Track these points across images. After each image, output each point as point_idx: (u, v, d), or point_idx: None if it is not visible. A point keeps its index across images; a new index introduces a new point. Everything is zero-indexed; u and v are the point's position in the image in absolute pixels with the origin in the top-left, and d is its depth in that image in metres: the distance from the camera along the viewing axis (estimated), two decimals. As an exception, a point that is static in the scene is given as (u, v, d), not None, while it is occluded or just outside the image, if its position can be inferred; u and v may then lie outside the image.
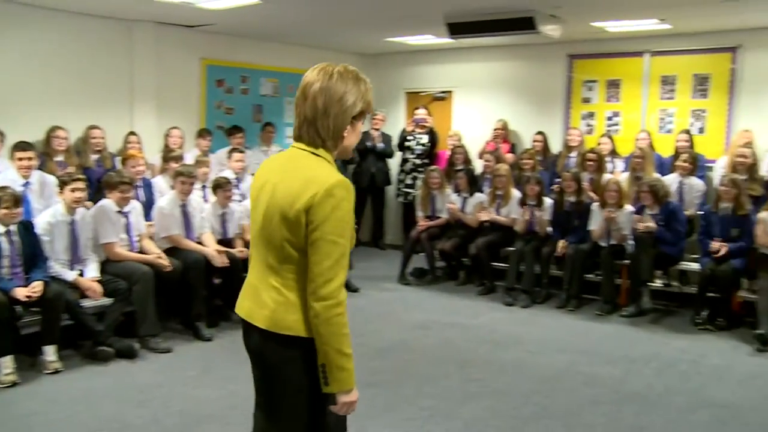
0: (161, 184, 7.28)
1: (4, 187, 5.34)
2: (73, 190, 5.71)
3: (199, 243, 6.52)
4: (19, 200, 5.31)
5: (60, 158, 6.97)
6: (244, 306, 2.44)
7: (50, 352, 5.27)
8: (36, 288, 5.13)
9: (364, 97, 2.39)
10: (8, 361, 5.00)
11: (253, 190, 2.46)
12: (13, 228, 5.29)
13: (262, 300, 2.34)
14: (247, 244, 6.79)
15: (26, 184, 6.18)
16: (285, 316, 2.28)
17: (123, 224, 6.10)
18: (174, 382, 5.11)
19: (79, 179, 5.80)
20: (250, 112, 9.71)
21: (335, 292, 2.20)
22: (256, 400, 2.56)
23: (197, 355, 5.76)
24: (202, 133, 8.47)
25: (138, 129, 7.95)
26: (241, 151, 8.02)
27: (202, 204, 6.84)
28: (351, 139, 2.38)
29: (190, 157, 7.90)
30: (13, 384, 4.94)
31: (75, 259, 5.81)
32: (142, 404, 4.71)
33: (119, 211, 6.07)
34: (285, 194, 2.25)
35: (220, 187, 6.85)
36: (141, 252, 6.17)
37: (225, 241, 6.78)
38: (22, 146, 6.24)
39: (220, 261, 6.32)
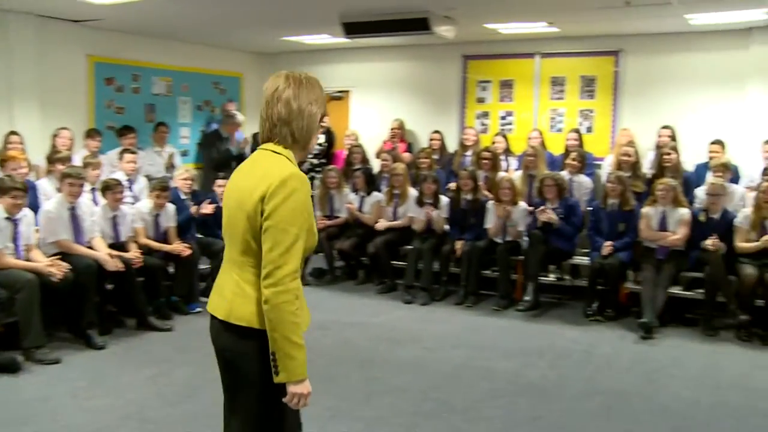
0: (46, 186, 6.93)
1: None
2: None
3: (90, 248, 6.28)
4: None
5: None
6: (211, 301, 2.53)
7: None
8: None
9: (324, 103, 2.55)
10: None
11: (224, 195, 2.58)
12: None
13: (223, 293, 2.44)
14: (140, 247, 6.67)
15: None
16: (240, 307, 2.35)
17: (10, 232, 5.77)
18: (62, 395, 4.85)
19: None
20: (143, 111, 9.46)
21: (284, 278, 2.25)
22: (224, 396, 2.61)
23: (88, 364, 5.50)
24: (91, 134, 8.15)
25: (20, 129, 7.51)
26: (133, 152, 7.79)
27: (92, 207, 6.57)
28: (314, 141, 2.55)
29: (78, 159, 7.60)
30: None
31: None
32: (27, 421, 4.42)
33: (8, 218, 5.75)
34: (243, 189, 2.36)
35: (110, 189, 6.59)
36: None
37: (117, 245, 6.54)
38: None
39: (113, 265, 6.10)
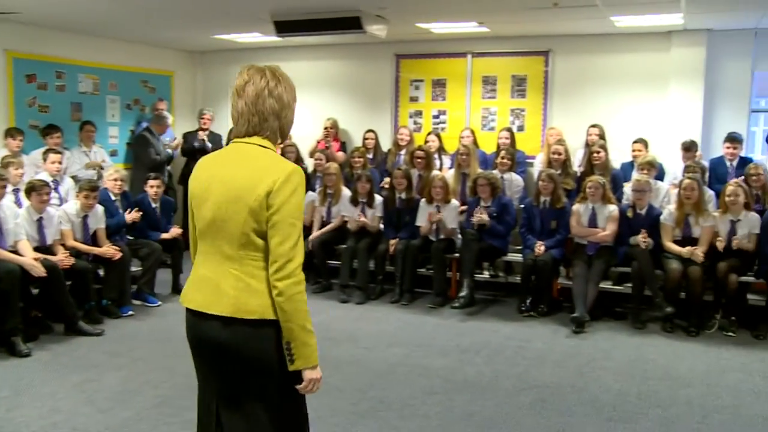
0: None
1: None
2: None
3: (14, 252, 6.07)
4: None
5: None
6: (196, 298, 2.46)
7: None
8: None
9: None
10: None
11: (197, 187, 2.50)
12: None
13: (221, 290, 2.38)
14: (68, 249, 6.49)
15: None
16: (248, 300, 2.34)
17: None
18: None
19: None
20: (68, 110, 9.16)
21: (296, 270, 2.32)
22: (217, 400, 2.52)
23: (13, 373, 5.29)
24: (12, 133, 7.81)
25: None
26: (58, 152, 7.57)
27: (15, 209, 6.33)
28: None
29: (-2, 159, 7.35)
30: None
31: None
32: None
33: None
34: (243, 183, 2.34)
35: (35, 190, 6.37)
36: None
37: (43, 249, 6.35)
38: None
39: (40, 271, 5.90)
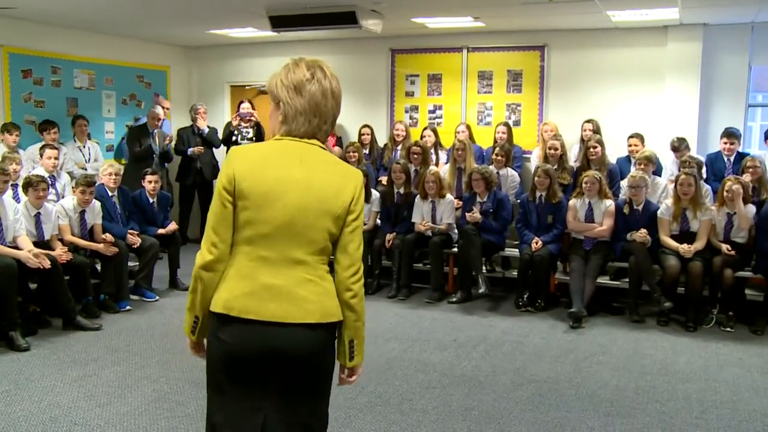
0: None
1: None
2: None
3: (14, 246, 6.07)
4: None
5: None
6: (269, 309, 2.27)
7: None
8: None
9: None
10: None
11: (260, 186, 2.27)
12: None
13: (299, 296, 2.28)
14: (65, 244, 6.48)
15: None
16: (329, 303, 2.33)
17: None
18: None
19: None
20: (65, 105, 9.15)
21: (360, 269, 2.39)
22: (266, 413, 2.35)
23: (12, 367, 5.30)
24: (8, 128, 7.81)
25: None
26: (54, 148, 7.56)
27: (14, 204, 6.34)
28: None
29: (-6, 154, 7.35)
30: None
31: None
32: None
33: None
34: (326, 189, 2.31)
35: (32, 185, 6.38)
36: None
37: (41, 244, 6.34)
38: None
39: (35, 263, 5.89)
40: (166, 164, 9.69)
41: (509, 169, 8.04)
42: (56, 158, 7.49)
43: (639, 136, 7.98)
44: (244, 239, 2.30)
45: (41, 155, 7.49)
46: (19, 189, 6.67)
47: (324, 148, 2.38)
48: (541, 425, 4.33)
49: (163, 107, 9.90)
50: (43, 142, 7.89)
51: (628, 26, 8.30)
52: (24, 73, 8.58)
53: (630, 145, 7.96)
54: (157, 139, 9.31)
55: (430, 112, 9.59)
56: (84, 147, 8.73)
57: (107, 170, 7.33)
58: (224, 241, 2.33)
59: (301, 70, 2.36)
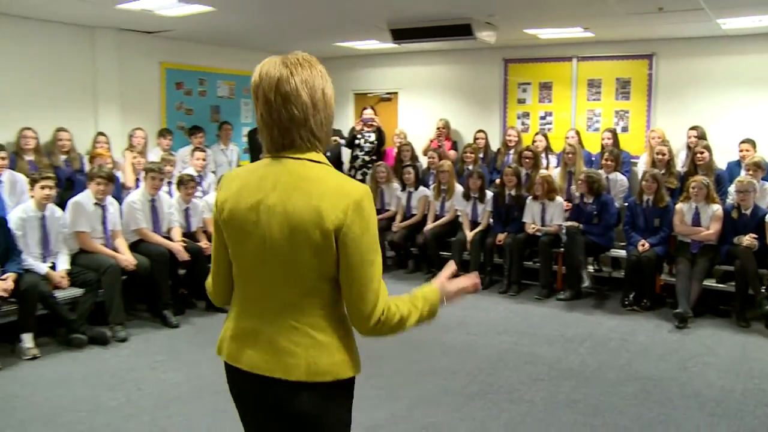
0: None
1: None
2: (42, 188, 5.69)
3: (167, 237, 6.51)
4: None
5: (30, 158, 6.89)
6: (250, 358, 1.88)
7: (28, 340, 5.27)
8: (9, 280, 5.12)
9: (331, 83, 1.96)
10: (-10, 348, 5.01)
11: (237, 214, 1.86)
12: (-12, 224, 5.25)
13: (281, 347, 1.83)
14: (209, 237, 6.79)
15: (-2, 182, 6.08)
16: (319, 360, 1.82)
17: (99, 216, 6.06)
18: (143, 367, 5.09)
19: (48, 177, 5.78)
20: (208, 112, 9.63)
21: (383, 313, 1.83)
22: None
23: (165, 341, 5.74)
24: (164, 133, 8.39)
25: (102, 129, 7.82)
26: (203, 150, 7.99)
27: (169, 200, 6.78)
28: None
29: (153, 156, 7.85)
30: (-5, 369, 4.98)
31: (46, 253, 5.79)
32: (115, 387, 4.70)
33: (97, 204, 6.02)
34: (302, 214, 1.76)
35: (183, 183, 6.83)
36: (114, 248, 6.09)
37: (188, 234, 6.76)
38: (-8, 147, 6.14)
39: (185, 257, 6.31)
40: None
41: (618, 173, 7.84)
42: (204, 159, 7.89)
43: (751, 142, 7.58)
44: (235, 275, 1.95)
45: (192, 156, 7.91)
46: (173, 186, 7.09)
47: (311, 159, 1.85)
48: (645, 420, 4.24)
49: None
50: (192, 146, 8.35)
51: (739, 33, 7.89)
52: (177, 85, 9.10)
53: (741, 151, 7.58)
54: None
55: (541, 118, 9.46)
56: (227, 149, 9.15)
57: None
58: (218, 274, 2.02)
59: (258, 70, 1.90)
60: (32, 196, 5.78)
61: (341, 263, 1.79)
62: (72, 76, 7.86)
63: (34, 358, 5.22)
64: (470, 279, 2.13)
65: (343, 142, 9.67)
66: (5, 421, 4.18)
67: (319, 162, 1.86)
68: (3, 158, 6.16)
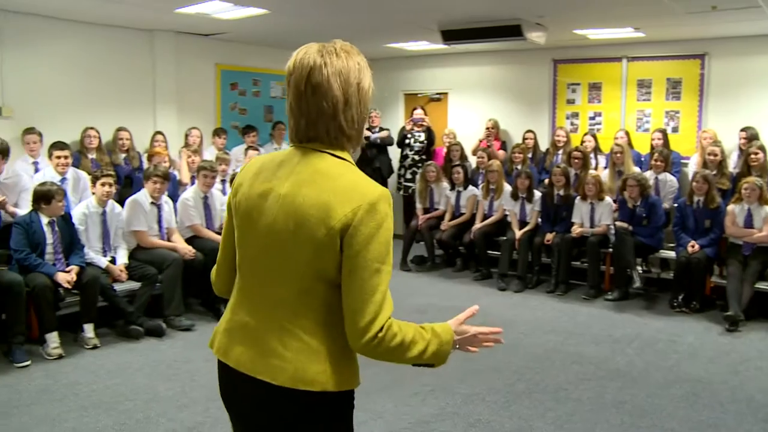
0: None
1: (49, 183, 5.48)
2: (103, 185, 5.85)
3: (219, 233, 6.58)
4: (64, 194, 5.47)
5: (92, 156, 7.08)
6: (237, 354, 1.75)
7: (89, 330, 5.43)
8: (73, 272, 5.29)
9: (370, 76, 1.80)
10: (54, 337, 5.19)
11: (245, 200, 1.76)
12: (54, 219, 5.42)
13: (270, 347, 1.68)
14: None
15: (62, 180, 6.23)
16: (307, 366, 1.65)
17: (155, 215, 6.19)
18: (198, 359, 5.16)
19: (108, 175, 5.95)
20: (262, 112, 9.73)
21: (381, 330, 1.62)
22: None
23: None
24: (218, 132, 8.52)
25: (160, 129, 7.99)
26: (256, 149, 8.09)
27: (222, 197, 6.89)
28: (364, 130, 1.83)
29: (207, 154, 7.98)
30: (60, 357, 5.14)
31: (107, 247, 5.96)
32: (171, 378, 4.80)
33: (153, 203, 6.15)
34: (310, 207, 1.62)
35: (237, 181, 6.92)
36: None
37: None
38: (58, 145, 6.32)
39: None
40: None
41: (668, 174, 7.66)
42: (258, 158, 7.99)
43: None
44: (237, 264, 1.82)
45: (246, 155, 8.01)
46: (227, 184, 7.19)
47: (333, 153, 1.71)
48: (694, 424, 4.13)
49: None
50: (245, 144, 8.45)
51: (797, 32, 7.63)
52: (231, 86, 9.22)
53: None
54: None
55: (591, 118, 9.30)
56: (279, 148, 9.23)
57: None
58: (223, 260, 1.91)
59: (293, 57, 1.78)
60: (94, 193, 5.96)
61: (343, 267, 1.62)
62: (132, 78, 8.03)
63: (95, 347, 5.37)
64: (491, 329, 1.91)
65: (376, 137, 9.66)
66: (68, 407, 4.30)
67: (342, 159, 1.71)
68: (66, 157, 6.32)
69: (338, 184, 1.63)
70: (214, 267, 1.95)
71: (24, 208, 5.65)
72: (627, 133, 8.49)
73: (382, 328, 1.61)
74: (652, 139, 8.23)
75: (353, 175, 1.68)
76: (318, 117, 1.69)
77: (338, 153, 1.71)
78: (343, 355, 1.69)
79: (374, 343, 1.62)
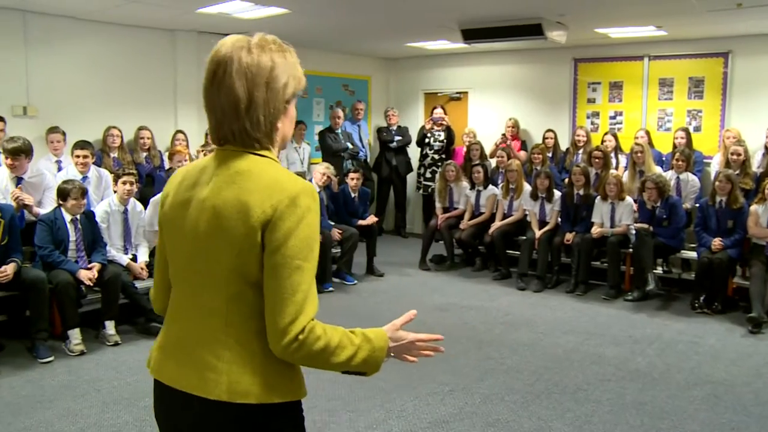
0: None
1: (72, 181, 5.55)
2: (124, 183, 5.91)
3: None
4: (85, 192, 5.53)
5: (114, 155, 7.16)
6: (168, 368, 1.66)
7: (110, 327, 5.49)
8: (95, 270, 5.36)
9: (294, 72, 1.68)
10: (77, 333, 5.26)
11: (169, 209, 1.68)
12: (77, 217, 5.48)
13: (202, 360, 1.58)
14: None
15: (84, 178, 6.28)
16: (240, 377, 1.55)
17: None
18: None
19: (130, 173, 6.00)
20: (282, 111, 9.74)
21: (302, 332, 1.51)
22: None
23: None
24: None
25: (181, 128, 8.05)
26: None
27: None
28: (286, 128, 1.69)
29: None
30: (82, 353, 5.20)
31: (128, 245, 6.02)
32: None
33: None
34: (230, 209, 1.53)
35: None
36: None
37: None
38: (80, 144, 6.37)
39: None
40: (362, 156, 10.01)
41: (689, 173, 7.58)
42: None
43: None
44: (170, 277, 1.72)
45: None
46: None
47: (257, 153, 1.60)
48: (716, 426, 4.08)
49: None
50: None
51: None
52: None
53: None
54: (341, 136, 9.63)
55: (611, 118, 9.22)
56: (299, 147, 9.25)
57: (320, 170, 7.71)
58: (157, 276, 1.81)
59: (215, 46, 1.65)
60: (115, 191, 6.01)
61: (264, 265, 1.52)
62: (154, 77, 8.10)
63: (116, 344, 5.43)
64: (431, 336, 1.75)
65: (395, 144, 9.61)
66: (90, 402, 4.34)
67: (264, 156, 1.61)
68: (88, 156, 6.37)
69: (259, 182, 1.54)
70: (152, 286, 1.85)
71: (47, 207, 5.72)
72: (647, 133, 8.42)
73: (303, 330, 1.50)
74: (675, 138, 8.15)
75: (275, 172, 1.57)
76: (223, 116, 1.59)
77: (259, 151, 1.61)
78: (282, 364, 1.57)
79: (294, 346, 1.50)
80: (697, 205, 7.10)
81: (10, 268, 5.02)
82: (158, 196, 6.12)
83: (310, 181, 7.61)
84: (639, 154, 7.70)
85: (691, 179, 7.57)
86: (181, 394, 1.60)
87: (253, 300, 1.55)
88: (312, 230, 1.54)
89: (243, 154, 1.59)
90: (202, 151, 7.57)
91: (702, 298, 6.61)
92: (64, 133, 6.75)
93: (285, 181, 1.54)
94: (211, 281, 1.57)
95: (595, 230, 7.24)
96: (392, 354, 1.69)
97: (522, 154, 9.15)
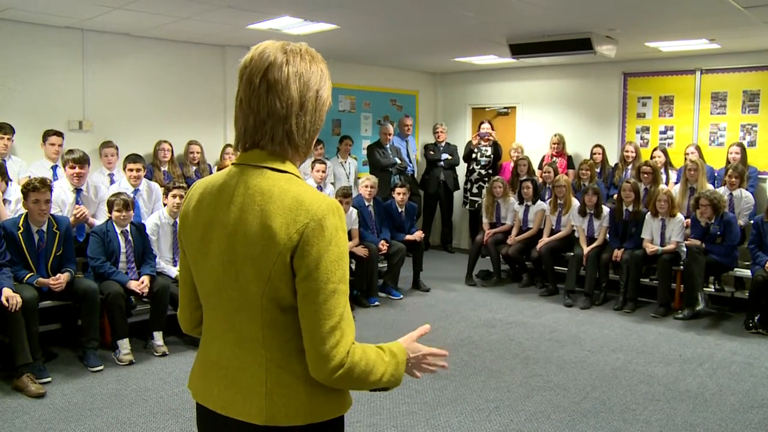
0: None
1: (118, 194, 5.68)
2: (174, 196, 6.00)
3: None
4: (129, 204, 5.62)
5: (165, 168, 7.29)
6: (210, 392, 1.63)
7: (158, 338, 5.58)
8: (145, 282, 5.46)
9: (330, 88, 1.67)
10: (126, 343, 5.35)
11: (192, 232, 1.64)
12: (128, 229, 5.60)
13: (244, 384, 1.56)
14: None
15: (136, 191, 6.43)
16: (284, 401, 1.53)
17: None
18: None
19: (179, 187, 6.08)
20: (330, 126, 9.83)
21: (347, 356, 1.49)
22: None
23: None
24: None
25: (230, 142, 8.15)
26: (323, 162, 8.15)
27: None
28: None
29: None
30: (130, 363, 5.29)
31: (177, 257, 6.07)
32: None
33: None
34: (255, 236, 1.49)
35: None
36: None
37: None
38: (132, 158, 6.52)
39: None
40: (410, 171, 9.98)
41: (743, 190, 7.38)
42: (324, 171, 8.05)
43: None
44: (200, 299, 1.69)
45: (312, 168, 8.09)
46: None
47: (273, 168, 1.55)
48: (772, 451, 3.95)
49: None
50: (312, 157, 8.53)
51: None
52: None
53: None
54: (389, 151, 9.64)
55: (661, 132, 9.05)
56: (345, 162, 9.30)
57: (365, 183, 7.73)
58: (183, 296, 1.79)
59: (251, 51, 1.62)
60: (165, 204, 6.12)
61: (298, 291, 1.48)
62: (204, 92, 8.25)
63: (164, 355, 5.51)
64: (440, 351, 1.74)
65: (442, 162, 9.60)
66: (138, 412, 4.41)
67: (283, 171, 1.56)
68: (140, 169, 6.51)
69: (280, 205, 1.49)
70: (179, 306, 1.82)
71: (100, 219, 5.88)
72: (698, 148, 8.21)
73: (347, 354, 1.48)
74: (729, 153, 7.94)
75: (298, 191, 1.51)
76: (268, 117, 1.54)
77: (280, 166, 1.56)
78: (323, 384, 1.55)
79: (341, 372, 1.47)
80: (752, 222, 6.90)
81: (64, 278, 5.16)
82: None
83: (358, 195, 7.64)
84: (693, 172, 7.52)
85: (745, 195, 7.37)
86: (226, 419, 1.58)
87: (290, 323, 1.52)
88: (341, 249, 1.50)
89: (263, 170, 1.55)
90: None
91: (757, 318, 6.40)
92: (117, 147, 6.92)
93: (308, 201, 1.48)
94: (245, 307, 1.53)
95: (650, 248, 7.07)
96: (410, 364, 1.68)
97: (570, 173, 9.00)
